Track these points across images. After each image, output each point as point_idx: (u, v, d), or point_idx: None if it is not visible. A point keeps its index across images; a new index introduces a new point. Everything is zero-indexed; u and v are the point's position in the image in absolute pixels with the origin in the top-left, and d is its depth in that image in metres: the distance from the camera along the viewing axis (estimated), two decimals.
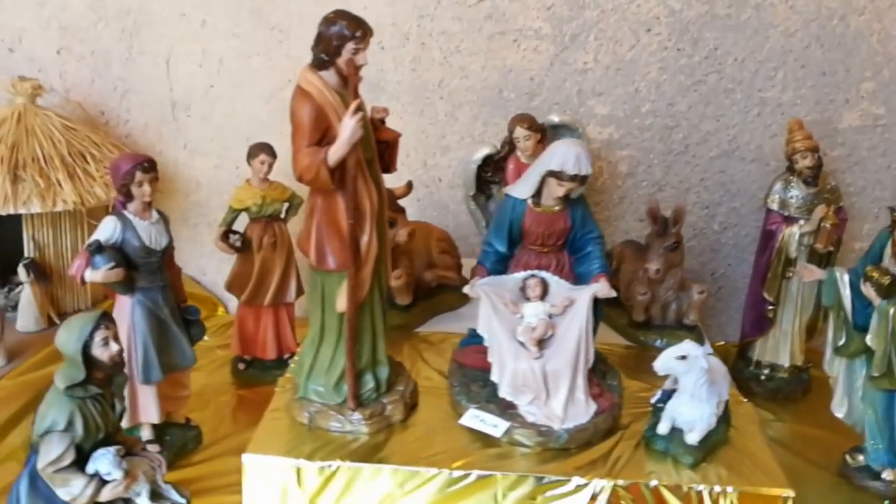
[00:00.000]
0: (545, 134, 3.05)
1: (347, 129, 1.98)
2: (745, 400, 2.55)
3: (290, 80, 3.51)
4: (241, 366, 3.31)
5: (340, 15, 2.02)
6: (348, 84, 2.04)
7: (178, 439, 2.76)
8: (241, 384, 3.27)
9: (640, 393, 2.52)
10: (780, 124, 3.43)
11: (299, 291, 3.29)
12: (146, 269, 2.57)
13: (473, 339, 2.61)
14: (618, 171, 3.56)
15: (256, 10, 3.44)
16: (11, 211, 2.97)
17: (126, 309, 2.57)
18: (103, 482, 2.05)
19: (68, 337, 2.02)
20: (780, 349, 3.21)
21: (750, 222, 3.62)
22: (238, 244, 3.15)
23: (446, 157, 3.59)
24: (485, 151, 3.04)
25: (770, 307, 3.12)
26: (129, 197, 2.53)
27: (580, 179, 2.25)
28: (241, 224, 3.16)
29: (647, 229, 2.95)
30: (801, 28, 3.35)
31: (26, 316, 3.08)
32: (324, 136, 2.05)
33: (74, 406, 2.02)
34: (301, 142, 2.03)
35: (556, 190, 2.28)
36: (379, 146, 2.21)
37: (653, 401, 2.39)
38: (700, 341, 2.82)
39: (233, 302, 3.70)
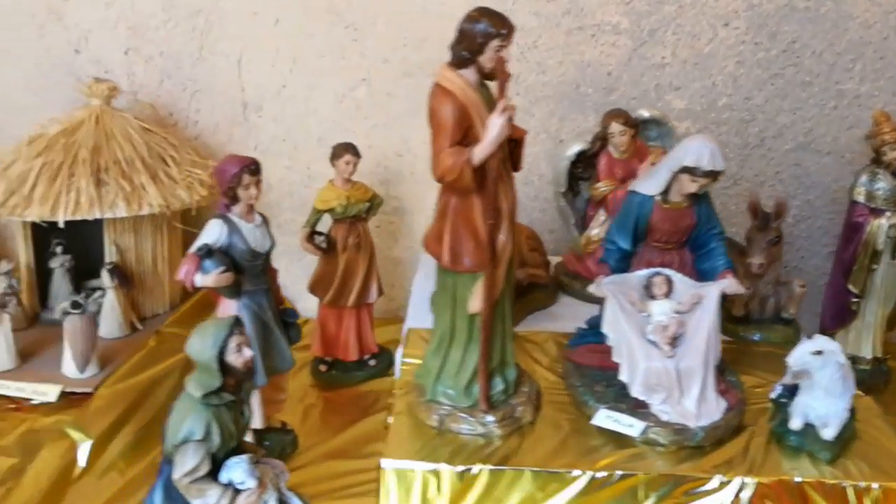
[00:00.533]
0: (637, 129, 3.02)
1: (495, 127, 1.94)
2: (862, 393, 2.52)
3: (364, 79, 3.51)
4: (323, 367, 3.27)
5: (484, 12, 1.98)
6: (498, 82, 1.99)
7: (276, 444, 2.72)
8: (323, 386, 3.23)
9: (753, 388, 2.50)
10: (857, 116, 3.42)
11: (379, 292, 3.26)
12: (251, 272, 2.53)
13: (585, 339, 2.58)
14: None
15: (332, 8, 3.39)
16: (97, 215, 2.91)
17: (231, 313, 2.51)
18: (237, 491, 2.00)
19: (203, 344, 1.97)
20: (862, 341, 3.18)
21: (823, 215, 3.61)
22: (324, 245, 3.10)
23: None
24: (578, 147, 3.01)
25: (854, 300, 3.09)
26: (234, 200, 2.49)
27: (714, 175, 2.22)
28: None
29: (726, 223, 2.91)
30: (879, 20, 3.34)
31: (110, 322, 3.02)
32: (465, 136, 2.00)
33: (210, 414, 1.97)
34: (443, 142, 1.98)
35: (687, 186, 2.25)
36: (507, 144, 2.17)
37: (773, 396, 2.37)
38: (797, 335, 2.81)
39: (302, 303, 3.66)
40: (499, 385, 2.24)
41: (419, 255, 3.65)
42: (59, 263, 3.25)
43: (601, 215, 3.13)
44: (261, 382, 2.57)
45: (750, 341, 2.84)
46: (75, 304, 2.72)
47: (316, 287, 3.20)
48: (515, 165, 2.19)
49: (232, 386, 2.02)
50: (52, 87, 3.60)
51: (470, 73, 2.03)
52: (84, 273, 3.33)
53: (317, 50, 3.45)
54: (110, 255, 3.08)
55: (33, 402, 2.69)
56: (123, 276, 3.06)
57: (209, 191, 3.18)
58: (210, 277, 2.41)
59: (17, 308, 3.00)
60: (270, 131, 3.57)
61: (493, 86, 2.09)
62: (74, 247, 3.28)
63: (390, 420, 2.62)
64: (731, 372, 2.47)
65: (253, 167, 2.49)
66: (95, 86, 3.15)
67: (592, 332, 2.53)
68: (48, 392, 2.65)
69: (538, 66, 3.46)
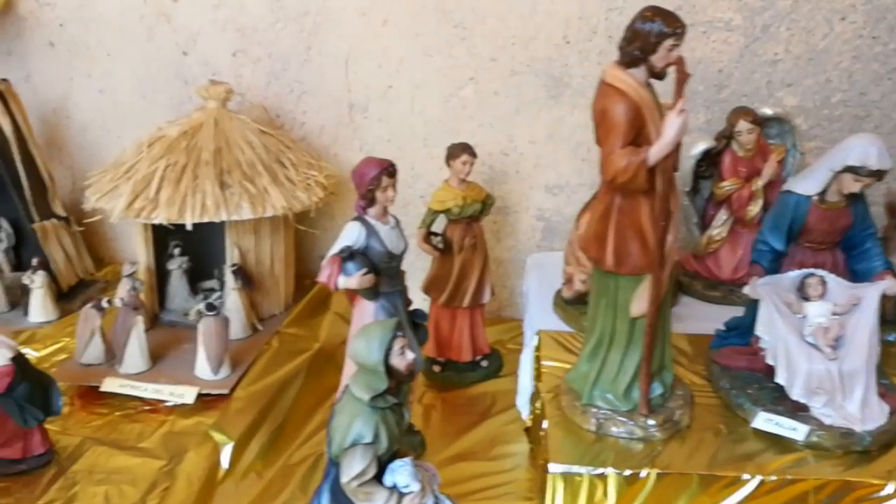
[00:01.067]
0: (762, 127, 2.97)
1: (674, 127, 1.91)
2: None
3: (471, 78, 3.48)
4: (437, 368, 3.24)
5: (657, 12, 1.95)
6: (677, 81, 1.95)
7: (407, 446, 2.69)
8: (439, 387, 3.21)
9: None
10: None
11: (491, 292, 3.24)
12: (387, 274, 2.51)
13: (727, 340, 2.55)
14: (805, 162, 3.46)
15: (440, 7, 3.36)
16: (223, 217, 2.91)
17: (369, 314, 2.51)
18: (401, 495, 1.99)
19: (369, 348, 1.96)
20: None
21: None
22: (441, 246, 3.08)
23: None
24: (703, 146, 2.96)
25: None
26: (371, 202, 2.47)
27: (880, 175, 2.17)
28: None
29: None
30: None
31: (234, 323, 3.00)
32: (637, 136, 1.97)
33: (378, 417, 1.96)
34: (615, 142, 1.95)
35: (850, 186, 2.20)
36: None
37: None
38: None
39: None
40: (657, 389, 2.21)
41: (523, 255, 3.64)
42: (176, 265, 3.26)
43: (723, 214, 3.08)
44: None
45: (885, 342, 2.76)
46: (210, 307, 2.72)
47: (430, 287, 3.18)
48: (675, 165, 2.15)
49: (393, 388, 2.01)
50: (159, 89, 3.62)
51: (639, 73, 2.00)
52: (196, 274, 3.34)
53: (424, 49, 3.42)
54: (232, 256, 3.08)
55: (167, 403, 2.70)
56: (246, 277, 3.06)
57: (325, 192, 3.17)
58: (353, 279, 2.40)
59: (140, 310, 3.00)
60: (375, 132, 3.55)
61: (656, 84, 2.06)
62: (189, 248, 3.29)
63: (526, 418, 2.61)
64: (881, 374, 2.41)
65: (391, 169, 2.47)
66: (212, 88, 3.15)
67: (735, 334, 2.49)
68: (185, 394, 2.66)
69: None
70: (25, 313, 3.23)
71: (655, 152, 1.92)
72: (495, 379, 3.22)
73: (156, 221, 2.88)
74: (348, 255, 2.41)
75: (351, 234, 2.45)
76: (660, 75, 1.99)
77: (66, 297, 3.35)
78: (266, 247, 3.18)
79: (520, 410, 2.89)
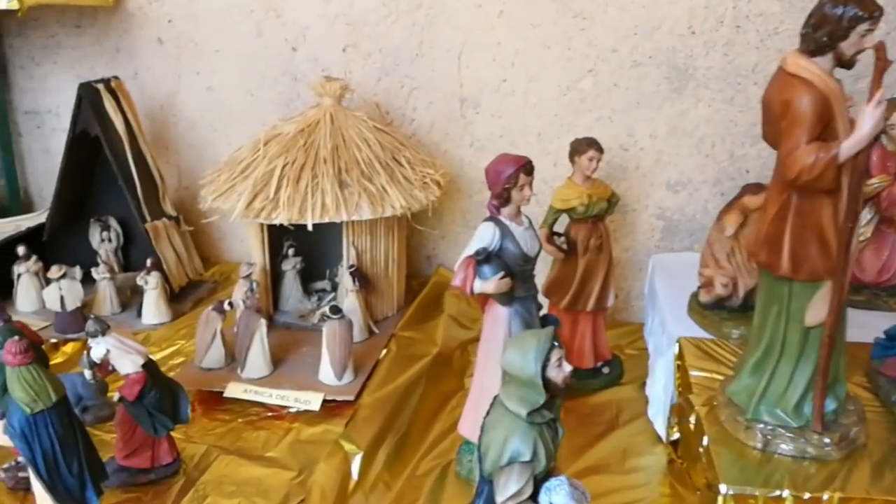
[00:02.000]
0: None
1: (871, 120, 1.72)
2: None
3: (589, 70, 3.30)
4: None
5: None
6: (875, 70, 1.76)
7: None
8: None
9: None
10: None
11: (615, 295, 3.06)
12: (521, 277, 2.36)
13: (891, 350, 2.33)
14: None
15: None
16: (343, 218, 2.80)
17: (503, 320, 2.36)
18: None
19: (524, 359, 1.81)
20: None
21: None
22: (565, 246, 2.92)
23: (756, 147, 3.28)
24: None
25: None
26: (505, 202, 2.33)
27: None
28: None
29: None
30: None
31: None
32: (823, 130, 1.78)
33: (536, 433, 1.81)
34: (801, 137, 1.77)
35: None
36: None
37: None
38: None
39: None
40: (831, 404, 2.02)
41: (641, 255, 3.46)
42: (290, 266, 3.17)
43: (867, 213, 2.85)
44: None
45: None
46: (335, 310, 2.61)
47: (551, 290, 3.02)
48: (866, 162, 1.96)
49: (547, 402, 1.86)
50: (267, 86, 3.53)
51: (825, 61, 1.81)
52: (306, 275, 3.25)
53: (541, 41, 3.27)
54: (349, 257, 2.97)
55: (291, 409, 2.60)
56: (364, 279, 2.95)
57: (442, 191, 3.05)
58: (490, 284, 2.25)
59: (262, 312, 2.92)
60: (487, 127, 3.41)
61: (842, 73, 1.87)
62: (301, 248, 3.20)
63: (661, 429, 2.44)
64: None
65: (528, 166, 2.32)
66: (327, 84, 3.04)
67: None
68: (311, 400, 2.55)
69: (779, 54, 3.16)
70: (139, 315, 3.17)
71: (848, 148, 1.73)
72: (617, 387, 3.05)
73: (276, 222, 2.78)
74: (484, 257, 2.27)
75: (485, 236, 2.31)
76: (848, 64, 1.80)
77: (177, 298, 3.28)
78: (381, 247, 3.07)
79: (651, 421, 2.72)
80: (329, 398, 2.57)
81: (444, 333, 3.05)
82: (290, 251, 3.16)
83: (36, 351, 2.01)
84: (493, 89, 3.36)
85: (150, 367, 2.22)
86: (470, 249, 2.30)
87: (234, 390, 2.60)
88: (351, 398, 2.57)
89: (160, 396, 2.24)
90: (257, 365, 2.67)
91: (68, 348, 3.05)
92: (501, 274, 2.26)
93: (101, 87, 3.18)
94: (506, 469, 1.80)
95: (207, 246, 3.76)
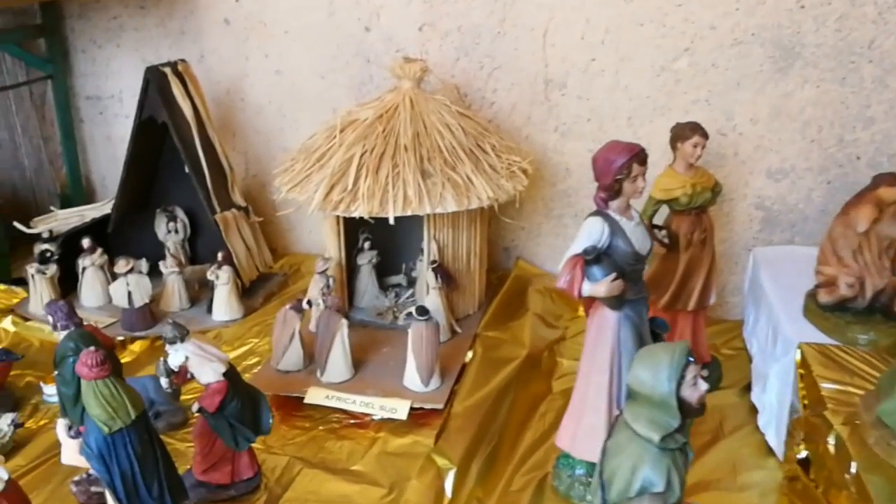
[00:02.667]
0: None
1: None
2: None
3: (686, 49, 3.02)
4: None
5: None
6: None
7: None
8: None
9: None
10: None
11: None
12: (631, 278, 2.13)
13: None
14: None
15: None
16: (427, 211, 2.58)
17: (610, 326, 2.14)
18: None
19: (656, 377, 1.59)
20: None
21: None
22: (667, 241, 2.67)
23: (868, 132, 2.99)
24: None
25: None
26: (615, 194, 2.09)
27: None
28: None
29: None
30: None
31: None
32: None
33: (669, 461, 1.59)
34: None
35: None
36: None
37: None
38: None
39: None
40: None
41: (737, 248, 3.20)
42: (366, 260, 2.97)
43: None
44: None
45: None
46: (421, 311, 2.41)
47: (649, 288, 2.75)
48: None
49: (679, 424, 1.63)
50: (339, 69, 3.33)
51: None
52: (380, 269, 3.05)
53: (634, 17, 3.00)
54: (431, 252, 2.76)
55: (374, 417, 2.40)
56: (447, 275, 2.74)
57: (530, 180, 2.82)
58: (601, 286, 2.03)
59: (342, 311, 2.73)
60: (573, 110, 3.16)
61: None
62: (376, 241, 3.01)
63: (775, 444, 2.21)
64: None
65: (642, 155, 2.09)
66: (406, 66, 2.82)
67: None
68: (398, 409, 2.35)
69: None
70: (209, 311, 3.00)
71: None
72: (718, 391, 2.80)
73: (356, 215, 2.58)
74: (594, 256, 2.04)
75: (593, 232, 2.08)
76: None
77: (248, 292, 3.11)
78: (464, 241, 2.85)
79: (763, 431, 2.47)
80: (416, 406, 2.37)
81: (531, 333, 2.83)
82: (367, 244, 2.97)
83: (111, 360, 1.84)
84: (580, 70, 3.11)
85: (230, 374, 2.04)
86: (576, 247, 2.08)
87: (315, 396, 2.41)
88: (440, 406, 2.36)
89: (241, 406, 2.06)
90: (338, 368, 2.49)
91: (136, 347, 2.90)
92: (613, 275, 2.03)
93: (168, 70, 2.99)
94: (635, 501, 1.59)
95: (275, 237, 3.59)
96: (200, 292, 3.16)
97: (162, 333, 1.99)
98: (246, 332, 2.90)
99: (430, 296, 2.72)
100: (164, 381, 2.08)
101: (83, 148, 3.82)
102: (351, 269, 2.96)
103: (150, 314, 2.91)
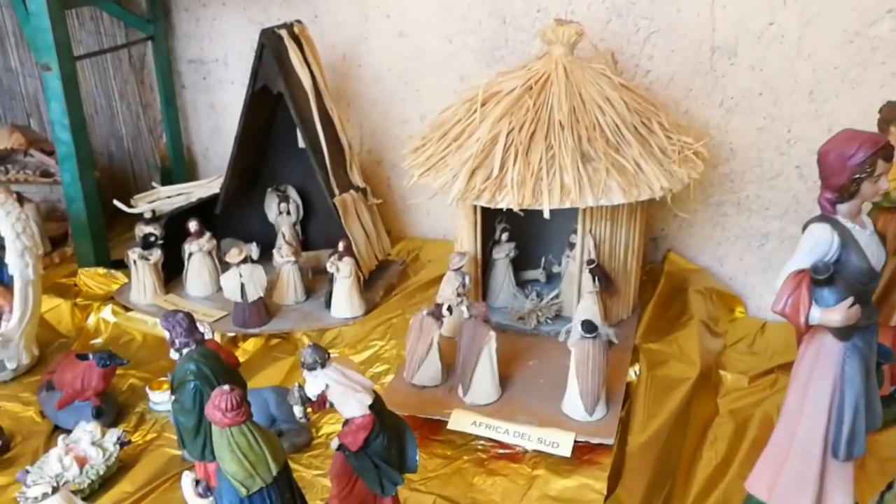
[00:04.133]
0: None
1: None
2: None
3: (889, 11, 2.51)
4: None
5: None
6: None
7: None
8: None
9: None
10: None
11: None
12: (863, 300, 1.69)
13: None
14: None
15: None
16: (589, 203, 2.17)
17: (834, 357, 1.73)
18: None
19: None
20: None
21: None
22: None
23: None
24: None
25: None
26: (849, 196, 1.65)
27: None
28: None
29: None
30: None
31: None
32: None
33: None
34: None
35: None
36: None
37: None
38: None
39: (754, 300, 2.82)
40: None
41: None
42: (503, 253, 2.59)
43: None
44: (858, 452, 1.77)
45: None
46: (589, 327, 2.01)
47: None
48: None
49: None
50: (469, 30, 2.92)
51: None
52: (515, 263, 2.66)
53: None
54: (586, 249, 2.36)
55: (522, 448, 2.03)
56: (605, 276, 2.33)
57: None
58: (837, 313, 1.62)
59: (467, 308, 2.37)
60: (743, 82, 2.68)
61: None
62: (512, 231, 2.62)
63: None
64: None
65: (890, 150, 1.64)
66: (558, 29, 2.38)
67: None
68: (560, 442, 1.98)
69: None
70: (327, 305, 2.67)
71: None
72: None
73: (503, 206, 2.19)
74: (827, 276, 1.61)
75: (821, 243, 1.66)
76: None
77: (366, 284, 2.75)
78: (622, 236, 2.44)
79: None
80: (580, 439, 1.98)
81: (699, 347, 2.40)
82: (504, 236, 2.58)
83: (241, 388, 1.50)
84: (754, 35, 2.62)
85: (376, 405, 1.69)
86: (799, 261, 1.67)
87: (460, 421, 2.05)
88: (609, 442, 1.98)
89: (387, 443, 1.71)
90: (484, 388, 2.12)
91: (249, 345, 2.59)
92: (850, 300, 1.61)
93: (284, 33, 2.62)
94: None
95: (387, 219, 3.22)
96: (315, 282, 2.83)
97: (301, 357, 1.65)
98: (369, 332, 2.56)
99: (584, 301, 2.32)
100: (297, 411, 1.73)
101: (184, 116, 3.51)
102: (485, 264, 2.57)
103: (264, 308, 2.59)
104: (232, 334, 2.59)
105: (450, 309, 2.20)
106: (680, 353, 2.35)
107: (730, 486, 2.02)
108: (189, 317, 1.76)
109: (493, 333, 2.09)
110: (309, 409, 1.75)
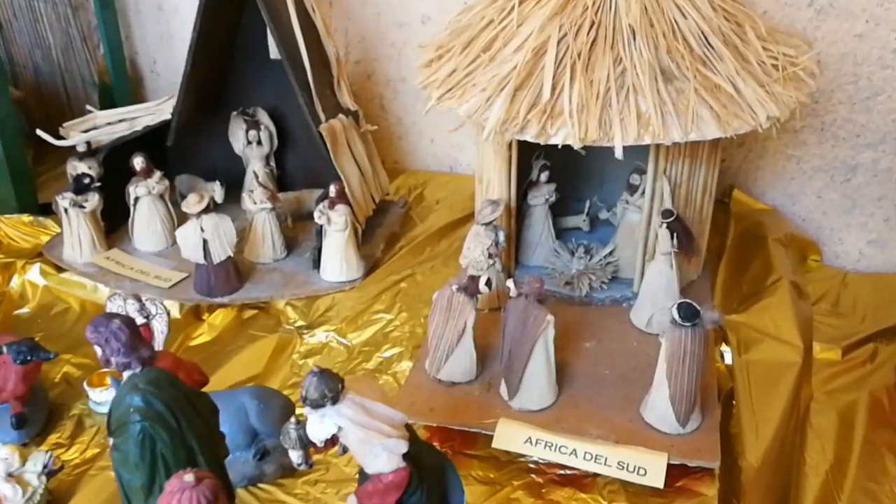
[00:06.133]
0: None
1: None
2: None
3: None
4: None
5: None
6: None
7: None
8: None
9: None
10: None
11: None
12: None
13: None
14: None
15: None
16: (676, 138, 1.59)
17: None
18: None
19: None
20: None
21: None
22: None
23: None
24: None
25: None
26: None
27: None
28: None
29: None
30: None
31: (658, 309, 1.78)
32: None
33: None
34: None
35: None
36: None
37: None
38: None
39: (832, 246, 2.31)
40: None
41: None
42: (541, 198, 2.01)
43: None
44: None
45: None
46: (687, 311, 1.45)
47: None
48: None
49: None
50: None
51: None
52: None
53: None
54: (660, 196, 1.78)
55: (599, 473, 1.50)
56: (686, 233, 1.77)
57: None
58: None
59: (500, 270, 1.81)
60: None
61: None
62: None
63: None
64: None
65: None
66: None
67: None
68: (648, 469, 1.44)
69: None
70: (315, 266, 2.08)
71: None
72: None
73: (558, 142, 1.59)
74: None
75: None
76: None
77: (364, 235, 2.16)
78: (700, 178, 1.87)
79: None
80: (674, 461, 1.46)
81: (795, 318, 1.86)
82: (543, 175, 1.99)
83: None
84: None
85: (412, 451, 1.13)
86: None
87: (509, 438, 1.51)
88: (714, 466, 1.45)
89: (427, 497, 1.16)
90: (538, 390, 1.57)
91: (217, 318, 2.00)
92: None
93: None
94: None
95: (381, 148, 2.61)
96: (296, 231, 2.23)
97: (303, 390, 1.08)
98: (372, 300, 1.98)
99: (656, 264, 1.77)
100: (294, 456, 1.17)
101: (126, 20, 2.81)
102: (517, 210, 1.99)
103: (234, 271, 2.00)
104: (192, 303, 2.00)
105: (489, 283, 1.62)
106: (775, 329, 1.82)
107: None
108: (129, 325, 1.17)
109: (550, 318, 1.53)
110: (314, 453, 1.18)
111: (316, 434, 1.12)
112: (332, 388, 1.09)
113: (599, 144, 1.59)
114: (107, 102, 2.68)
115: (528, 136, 1.63)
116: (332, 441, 1.14)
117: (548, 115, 1.63)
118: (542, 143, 1.62)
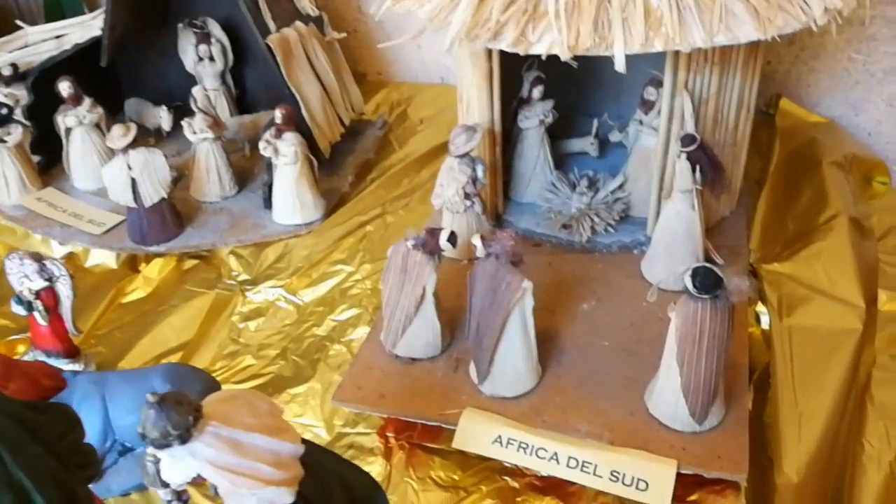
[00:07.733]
0: None
1: None
2: None
3: None
4: None
5: None
6: None
7: None
8: None
9: None
10: None
11: None
12: None
13: None
14: None
15: None
16: (697, 43, 1.18)
17: None
18: None
19: None
20: None
21: None
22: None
23: None
24: None
25: None
26: None
27: None
28: None
29: None
30: None
31: (675, 255, 1.40)
32: None
33: None
34: None
35: None
36: None
37: None
38: None
39: None
40: None
41: None
42: (535, 119, 1.62)
43: None
44: None
45: None
46: (706, 280, 1.07)
47: None
48: None
49: None
50: None
51: None
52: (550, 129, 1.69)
53: None
54: (682, 116, 1.38)
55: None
56: (713, 163, 1.37)
57: None
58: None
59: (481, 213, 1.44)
60: None
61: None
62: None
63: None
64: None
65: None
66: None
67: None
68: (651, 480, 1.11)
69: None
70: (267, 205, 1.73)
71: None
72: None
73: (540, 51, 1.20)
74: None
75: None
76: None
77: (329, 164, 1.81)
78: (733, 91, 1.45)
79: None
80: (686, 471, 1.11)
81: (856, 268, 1.47)
82: (536, 91, 1.59)
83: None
84: None
85: (311, 493, 0.80)
86: None
87: (474, 436, 1.17)
88: (740, 479, 1.10)
89: None
90: (513, 372, 1.23)
91: (153, 270, 1.68)
92: None
93: None
94: None
95: (359, 57, 2.25)
96: (254, 161, 1.88)
97: (142, 425, 0.75)
98: (330, 247, 1.64)
99: (674, 203, 1.38)
100: (162, 494, 0.86)
101: None
102: (506, 135, 1.60)
103: (172, 214, 1.67)
104: (127, 252, 1.68)
105: (452, 238, 1.26)
106: (829, 283, 1.43)
107: None
108: None
109: (527, 285, 1.17)
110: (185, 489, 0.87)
111: (171, 477, 0.80)
112: (177, 423, 0.76)
113: (595, 53, 1.19)
114: (54, 16, 2.31)
115: (504, 45, 1.23)
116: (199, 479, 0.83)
117: (528, 16, 1.23)
118: (521, 52, 1.23)
